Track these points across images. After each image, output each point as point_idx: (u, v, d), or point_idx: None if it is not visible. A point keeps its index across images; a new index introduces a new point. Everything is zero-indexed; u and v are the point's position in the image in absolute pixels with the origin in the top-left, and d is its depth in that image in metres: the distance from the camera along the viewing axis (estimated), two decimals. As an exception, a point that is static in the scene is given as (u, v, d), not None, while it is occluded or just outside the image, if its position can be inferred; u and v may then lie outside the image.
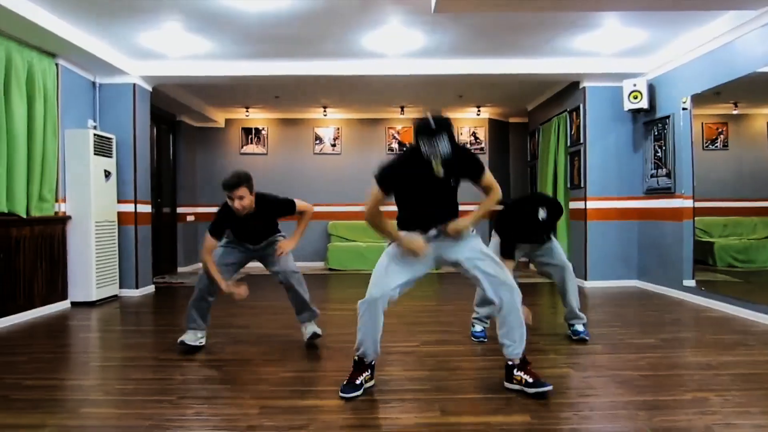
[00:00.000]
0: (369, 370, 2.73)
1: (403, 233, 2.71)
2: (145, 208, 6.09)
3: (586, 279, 6.20)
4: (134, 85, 5.77)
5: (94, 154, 5.23)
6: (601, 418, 2.34)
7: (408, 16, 4.55)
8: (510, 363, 2.69)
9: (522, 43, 5.33)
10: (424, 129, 2.43)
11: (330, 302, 5.51)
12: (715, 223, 5.42)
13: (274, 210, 3.50)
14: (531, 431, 2.21)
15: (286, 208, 3.50)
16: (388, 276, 2.66)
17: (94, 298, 5.20)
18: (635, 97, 5.85)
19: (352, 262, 8.13)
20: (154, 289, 6.19)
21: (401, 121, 8.96)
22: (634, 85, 5.85)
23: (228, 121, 8.96)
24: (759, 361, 3.16)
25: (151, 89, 6.14)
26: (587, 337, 3.65)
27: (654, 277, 5.89)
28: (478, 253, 2.73)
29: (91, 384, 2.96)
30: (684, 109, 5.30)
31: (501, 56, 5.71)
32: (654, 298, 5.38)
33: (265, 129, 8.95)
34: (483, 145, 8.92)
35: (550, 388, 2.56)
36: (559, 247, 3.75)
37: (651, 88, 5.87)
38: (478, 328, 3.75)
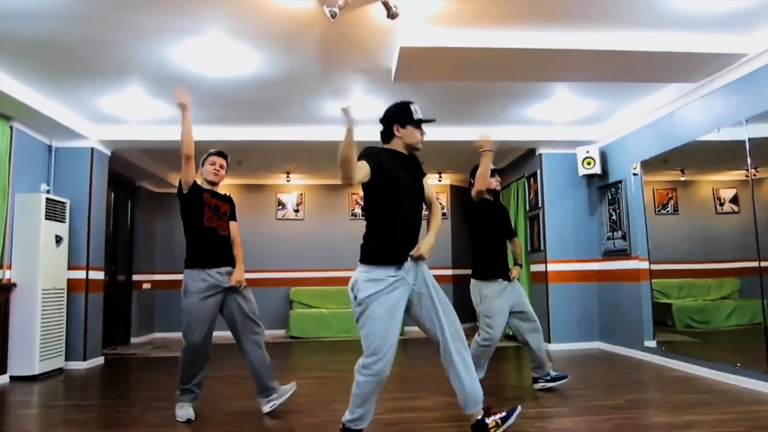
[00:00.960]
0: None
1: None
2: (98, 275, 5.84)
3: (550, 341, 6.18)
4: (92, 149, 5.69)
5: (46, 218, 5.04)
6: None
7: (370, 84, 4.70)
8: (478, 418, 2.57)
9: (480, 112, 5.56)
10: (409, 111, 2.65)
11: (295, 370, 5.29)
12: (671, 285, 5.54)
13: (232, 204, 3.60)
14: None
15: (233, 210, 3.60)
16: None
17: (36, 372, 4.85)
18: (588, 163, 6.11)
19: (315, 329, 7.91)
20: (103, 361, 5.83)
21: (364, 187, 9.04)
22: (587, 152, 6.11)
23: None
24: (722, 420, 3.14)
25: (109, 153, 6.06)
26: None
27: (616, 338, 5.93)
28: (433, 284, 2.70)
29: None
30: (635, 174, 5.54)
31: (460, 124, 5.92)
32: (616, 360, 5.38)
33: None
34: (445, 210, 9.05)
35: (519, 407, 2.60)
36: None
37: (603, 155, 6.15)
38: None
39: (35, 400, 4.15)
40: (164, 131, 5.70)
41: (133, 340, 7.75)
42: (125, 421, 3.34)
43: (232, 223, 3.56)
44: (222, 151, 3.55)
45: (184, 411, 3.27)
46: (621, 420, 3.17)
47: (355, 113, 2.45)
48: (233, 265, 3.44)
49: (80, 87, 4.62)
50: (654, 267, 5.35)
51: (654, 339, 5.27)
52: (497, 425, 2.54)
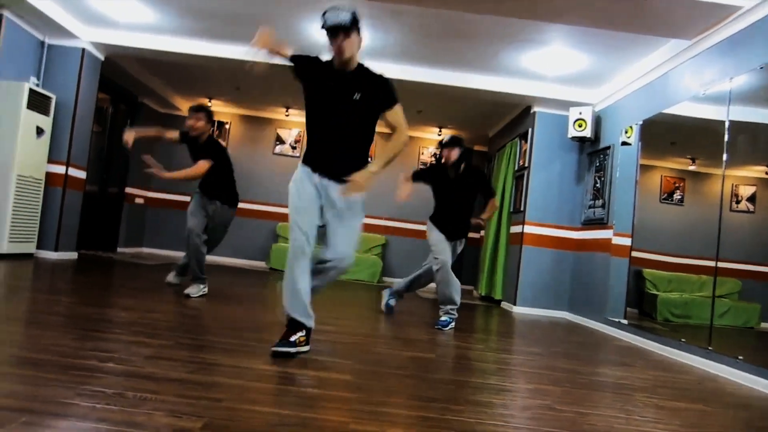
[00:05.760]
0: (303, 331, 2.55)
1: None
2: (79, 174, 5.99)
3: (515, 303, 6.10)
4: (83, 49, 5.76)
5: (27, 108, 5.16)
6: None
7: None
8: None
9: (469, 54, 5.38)
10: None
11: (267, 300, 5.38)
12: (661, 277, 5.36)
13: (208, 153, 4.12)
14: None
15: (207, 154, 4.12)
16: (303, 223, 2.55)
17: (4, 251, 5.06)
18: (579, 125, 5.88)
19: (294, 265, 8.00)
20: (76, 256, 6.03)
21: (366, 134, 8.96)
22: (580, 113, 5.88)
23: (194, 111, 8.93)
24: (637, 377, 3.07)
25: (102, 58, 6.13)
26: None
27: (582, 309, 5.81)
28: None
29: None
30: (624, 143, 5.31)
31: (450, 68, 5.76)
32: (576, 329, 5.29)
33: (229, 123, 8.95)
34: (445, 167, 8.91)
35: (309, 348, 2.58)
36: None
37: (597, 120, 5.91)
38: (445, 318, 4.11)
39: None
40: (153, 40, 5.73)
41: (120, 249, 7.99)
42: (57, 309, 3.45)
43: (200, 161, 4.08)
44: (195, 106, 4.18)
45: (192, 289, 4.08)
46: (541, 363, 3.13)
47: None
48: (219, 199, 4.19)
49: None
50: (649, 256, 5.16)
51: (625, 318, 5.11)
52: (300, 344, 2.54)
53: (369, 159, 2.69)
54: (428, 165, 8.57)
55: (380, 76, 2.65)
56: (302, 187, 2.60)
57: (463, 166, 4.28)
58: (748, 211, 4.46)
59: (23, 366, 1.82)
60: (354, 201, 2.62)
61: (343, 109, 2.59)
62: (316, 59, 2.68)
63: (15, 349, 2.03)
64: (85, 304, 3.26)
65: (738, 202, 4.66)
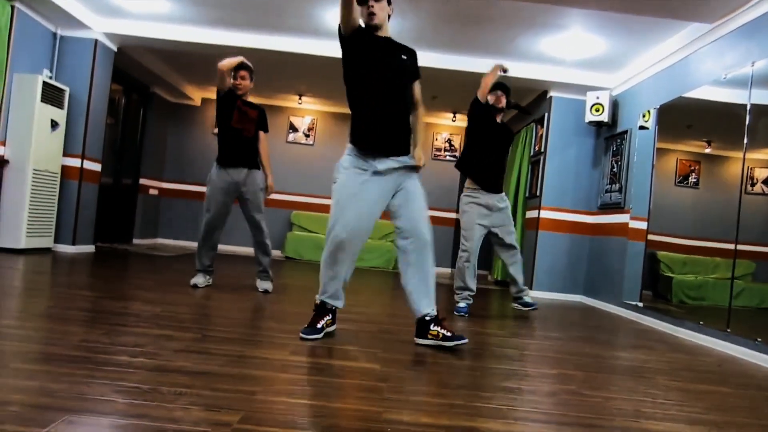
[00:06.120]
0: (330, 315, 2.69)
1: None
2: (94, 166, 6.02)
3: (531, 288, 6.09)
4: (96, 41, 5.75)
5: (42, 101, 5.18)
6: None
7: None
8: (425, 318, 2.65)
9: (487, 41, 5.32)
10: None
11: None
12: (676, 260, 5.33)
13: (261, 115, 4.03)
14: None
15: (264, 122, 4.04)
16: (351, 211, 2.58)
17: (22, 246, 5.11)
18: (597, 110, 5.81)
19: (309, 253, 8.04)
20: (93, 249, 6.09)
21: (378, 120, 8.92)
22: (597, 97, 5.81)
23: (204, 101, 8.94)
24: (650, 359, 3.06)
25: (115, 48, 6.12)
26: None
27: (598, 293, 5.79)
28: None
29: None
30: (642, 127, 5.24)
31: (467, 53, 5.70)
32: (592, 312, 5.27)
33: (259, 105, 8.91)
34: (457, 153, 8.88)
35: (466, 341, 2.60)
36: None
37: (614, 104, 5.83)
38: (462, 304, 4.03)
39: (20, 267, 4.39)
40: (166, 30, 5.71)
41: (136, 241, 8.05)
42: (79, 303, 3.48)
43: (261, 133, 4.01)
44: (241, 64, 3.87)
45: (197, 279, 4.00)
46: (559, 346, 3.13)
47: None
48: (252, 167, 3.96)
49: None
50: (663, 239, 5.12)
51: (640, 301, 5.09)
52: (436, 337, 2.64)
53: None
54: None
55: (409, 47, 2.71)
56: (355, 181, 2.62)
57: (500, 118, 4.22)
58: (763, 194, 4.40)
59: (57, 363, 1.83)
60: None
61: (395, 72, 2.61)
62: (359, 27, 2.65)
63: (46, 346, 2.05)
64: (108, 298, 3.29)
65: (753, 185, 4.59)
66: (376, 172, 2.60)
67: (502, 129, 4.22)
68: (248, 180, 3.91)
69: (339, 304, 2.71)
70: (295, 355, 2.31)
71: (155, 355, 2.04)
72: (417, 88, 2.71)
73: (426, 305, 2.64)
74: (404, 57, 2.64)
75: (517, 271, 4.22)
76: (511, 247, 4.20)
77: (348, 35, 2.58)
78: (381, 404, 1.77)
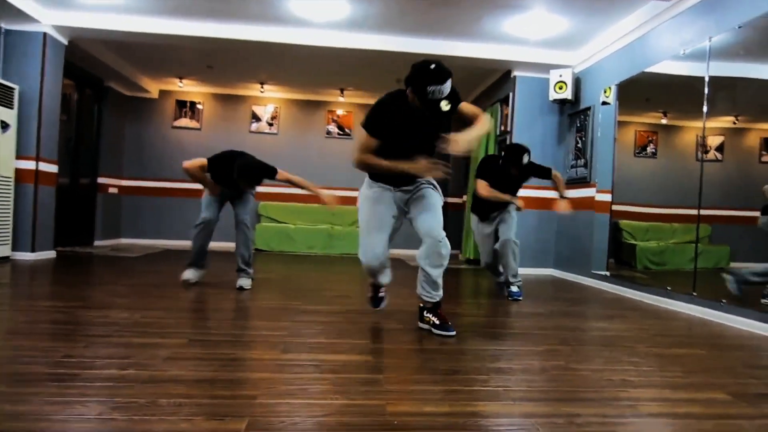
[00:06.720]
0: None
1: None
2: (50, 168, 5.75)
3: (504, 267, 6.19)
4: (44, 34, 5.45)
5: (-11, 101, 4.91)
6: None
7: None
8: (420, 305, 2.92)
9: (450, 22, 5.30)
10: (432, 72, 2.47)
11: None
12: (639, 228, 5.50)
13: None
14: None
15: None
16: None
17: (-21, 256, 4.87)
18: (560, 88, 5.89)
19: (279, 244, 7.96)
20: (54, 255, 5.85)
21: (342, 105, 8.84)
22: (560, 75, 5.89)
23: (162, 93, 8.64)
24: (628, 327, 3.16)
25: (66, 42, 5.82)
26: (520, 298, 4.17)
27: (568, 265, 5.94)
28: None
29: None
30: (604, 103, 5.34)
31: (432, 36, 5.67)
32: (563, 284, 5.41)
33: (201, 103, 8.68)
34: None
35: (453, 334, 2.74)
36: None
37: (577, 81, 5.92)
38: (514, 288, 4.17)
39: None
40: (120, 21, 5.46)
41: (98, 242, 7.78)
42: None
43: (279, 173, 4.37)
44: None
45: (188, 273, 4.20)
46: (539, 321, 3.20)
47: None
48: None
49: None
50: (624, 208, 5.28)
51: (606, 270, 5.26)
52: (428, 322, 2.87)
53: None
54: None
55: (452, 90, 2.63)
56: (379, 204, 2.81)
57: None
58: (716, 160, 4.59)
59: (43, 383, 1.74)
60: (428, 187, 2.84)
61: (423, 138, 2.72)
62: (388, 104, 2.67)
63: (27, 366, 1.94)
64: (81, 307, 3.16)
65: (707, 152, 4.78)
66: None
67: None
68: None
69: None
70: (288, 354, 2.28)
71: (145, 366, 1.98)
72: (466, 108, 2.75)
73: (426, 294, 2.84)
74: (447, 107, 2.62)
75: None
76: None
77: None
78: (383, 397, 1.77)
